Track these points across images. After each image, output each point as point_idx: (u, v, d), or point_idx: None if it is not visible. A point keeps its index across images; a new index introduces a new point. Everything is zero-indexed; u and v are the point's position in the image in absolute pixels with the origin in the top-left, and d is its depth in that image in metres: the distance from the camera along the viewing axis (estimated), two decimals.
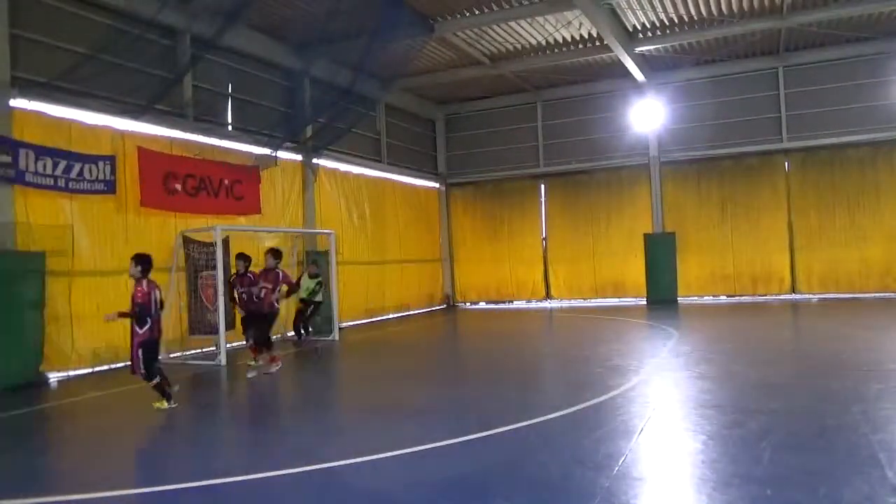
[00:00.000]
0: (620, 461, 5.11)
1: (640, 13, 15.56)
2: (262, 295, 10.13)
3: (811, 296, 18.97)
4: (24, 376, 9.63)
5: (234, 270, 10.89)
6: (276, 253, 10.67)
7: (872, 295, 18.22)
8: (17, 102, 10.13)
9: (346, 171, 18.08)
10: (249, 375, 9.95)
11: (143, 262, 7.66)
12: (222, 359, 11.27)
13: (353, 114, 16.68)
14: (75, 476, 5.55)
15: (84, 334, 10.80)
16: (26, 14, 10.55)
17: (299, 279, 12.99)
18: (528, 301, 22.09)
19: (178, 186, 12.58)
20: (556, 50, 17.95)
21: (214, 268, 11.77)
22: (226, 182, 13.68)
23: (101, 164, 11.10)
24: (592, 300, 21.21)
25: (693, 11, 15.53)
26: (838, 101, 18.32)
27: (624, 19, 15.95)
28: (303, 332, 13.55)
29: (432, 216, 22.68)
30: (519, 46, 17.49)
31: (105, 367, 11.05)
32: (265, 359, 10.24)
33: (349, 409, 8.13)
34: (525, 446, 5.79)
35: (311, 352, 12.69)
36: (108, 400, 8.99)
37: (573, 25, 16.09)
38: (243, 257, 10.60)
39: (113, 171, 11.31)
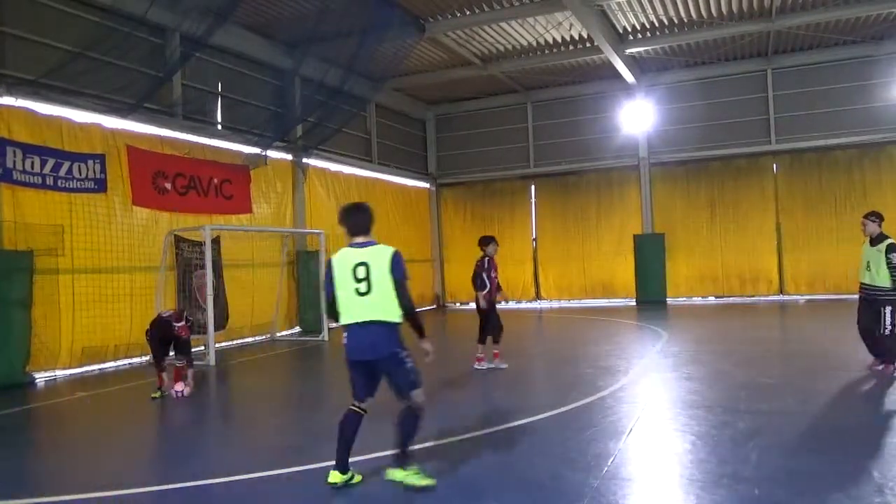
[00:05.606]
0: (609, 461, 5.14)
1: (630, 15, 15.63)
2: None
3: (798, 297, 19.12)
4: (9, 377, 9.53)
5: None
6: None
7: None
8: (5, 100, 10.04)
9: (337, 170, 18.05)
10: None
11: None
12: (211, 359, 11.25)
13: (343, 113, 16.65)
14: (57, 477, 5.51)
15: (73, 334, 10.69)
16: (14, 11, 10.47)
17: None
18: (518, 301, 22.12)
19: (168, 185, 12.53)
20: (546, 51, 18.00)
21: (205, 266, 11.71)
22: (215, 181, 13.64)
23: (90, 162, 11.04)
24: (582, 301, 21.27)
25: (683, 14, 15.62)
26: (826, 104, 18.48)
27: (614, 21, 16.02)
28: None
29: (422, 216, 22.65)
30: (510, 47, 17.52)
31: (94, 368, 10.98)
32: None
33: (337, 409, 8.10)
34: (514, 446, 5.80)
35: None
36: (94, 400, 8.93)
37: (563, 27, 16.14)
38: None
39: (103, 170, 11.24)
